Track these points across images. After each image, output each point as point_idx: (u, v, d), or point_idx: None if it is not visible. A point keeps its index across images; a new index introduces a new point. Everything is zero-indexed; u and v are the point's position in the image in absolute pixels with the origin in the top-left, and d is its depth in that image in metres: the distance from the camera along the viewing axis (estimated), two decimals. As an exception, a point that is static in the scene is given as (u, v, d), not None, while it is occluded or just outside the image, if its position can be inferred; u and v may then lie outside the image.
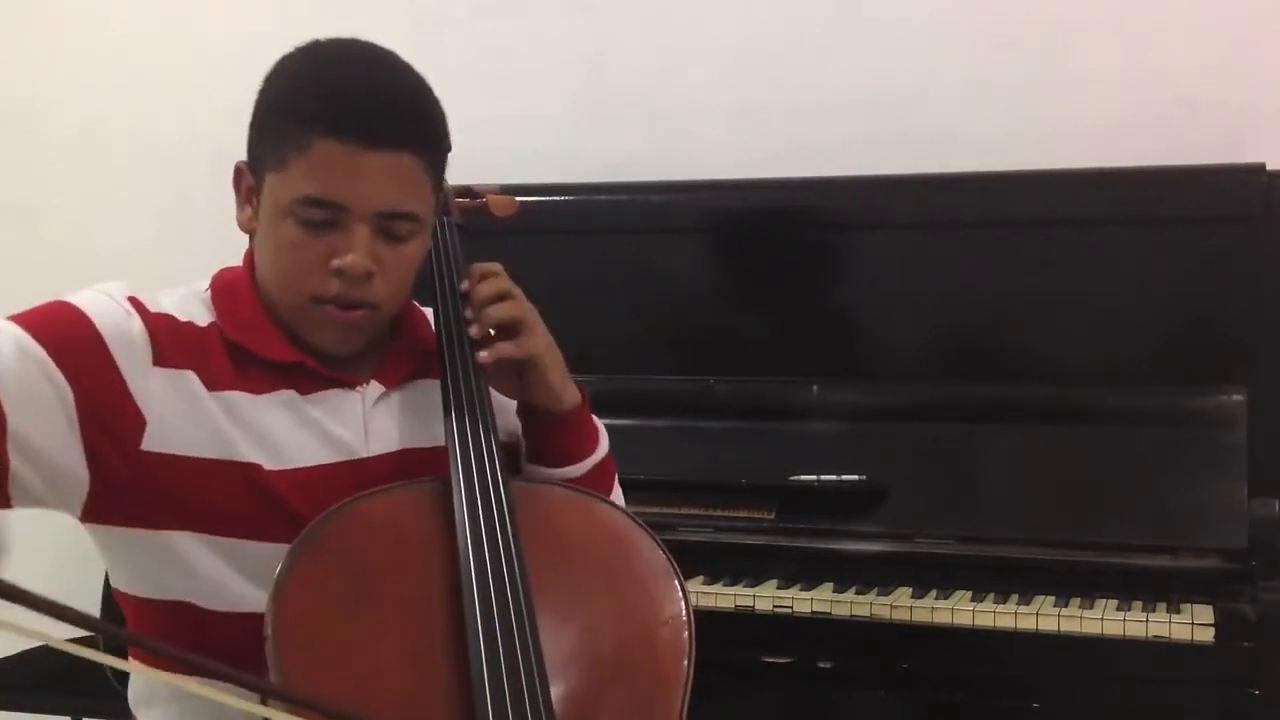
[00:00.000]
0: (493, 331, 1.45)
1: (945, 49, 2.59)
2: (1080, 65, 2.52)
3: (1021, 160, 2.39)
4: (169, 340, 1.35)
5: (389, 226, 1.36)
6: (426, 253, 1.46)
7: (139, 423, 1.32)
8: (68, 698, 2.59)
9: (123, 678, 1.94)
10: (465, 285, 1.48)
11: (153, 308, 1.37)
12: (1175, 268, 2.24)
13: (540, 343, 1.45)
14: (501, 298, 1.46)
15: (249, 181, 1.41)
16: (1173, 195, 2.25)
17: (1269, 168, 2.20)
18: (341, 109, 1.32)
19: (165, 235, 3.05)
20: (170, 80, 3.09)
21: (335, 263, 1.34)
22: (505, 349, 1.44)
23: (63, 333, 1.30)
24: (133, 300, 1.36)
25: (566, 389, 1.48)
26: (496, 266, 1.49)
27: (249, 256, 1.45)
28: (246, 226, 1.43)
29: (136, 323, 1.34)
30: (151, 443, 1.32)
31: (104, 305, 1.34)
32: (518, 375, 1.47)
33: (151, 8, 3.14)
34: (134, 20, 3.14)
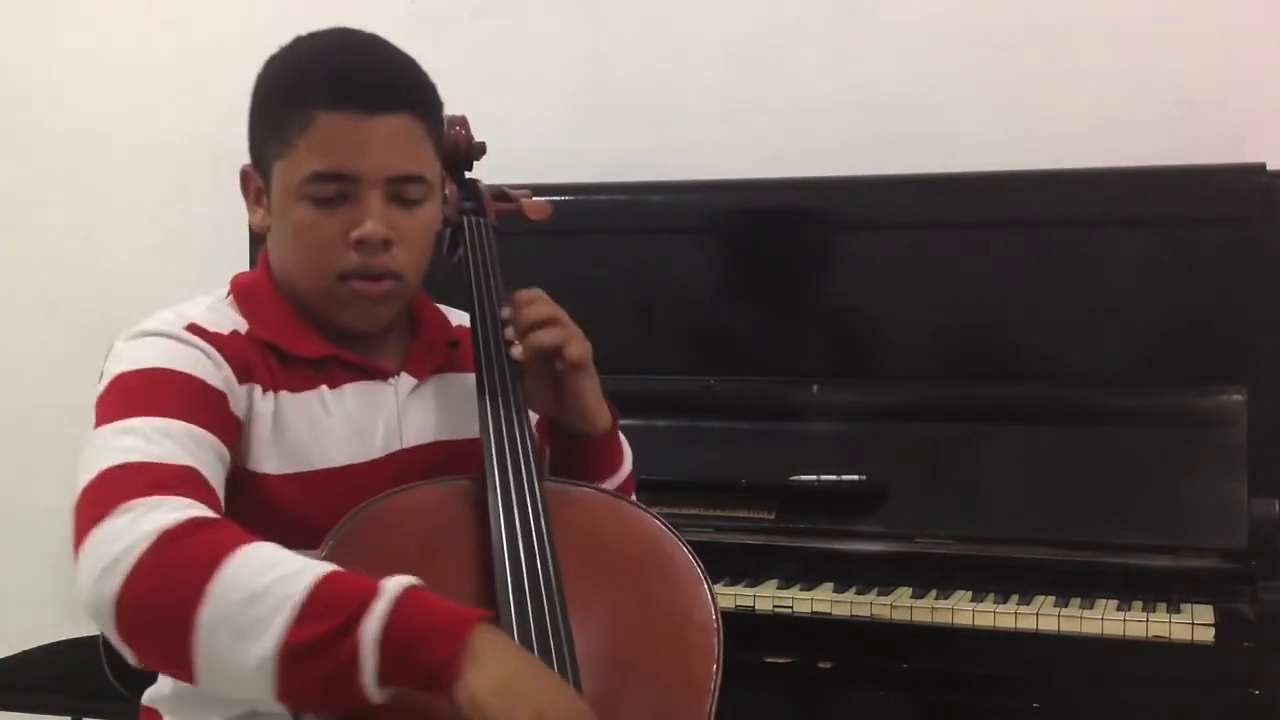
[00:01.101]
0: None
1: (945, 49, 2.59)
2: (1080, 65, 2.51)
3: (1021, 160, 2.39)
4: (234, 357, 1.36)
5: (401, 191, 1.38)
6: (446, 234, 1.49)
7: (241, 446, 1.35)
8: (68, 698, 2.59)
9: (123, 677, 1.94)
10: (507, 312, 1.47)
11: (211, 328, 1.37)
12: (1175, 268, 2.24)
13: (582, 355, 1.46)
14: (546, 323, 1.46)
15: (256, 182, 1.42)
16: (1173, 195, 2.25)
17: (1269, 168, 2.20)
18: (338, 82, 1.35)
19: (165, 235, 3.06)
20: (170, 80, 3.09)
21: (354, 234, 1.36)
22: (542, 339, 1.43)
23: (201, 406, 1.30)
24: (194, 329, 1.36)
25: (601, 411, 1.49)
26: (539, 292, 1.49)
27: (264, 258, 1.47)
28: (261, 226, 1.44)
29: (215, 353, 1.35)
30: (247, 461, 1.35)
31: (192, 356, 1.33)
32: (555, 395, 1.47)
33: (151, 7, 3.14)
34: (134, 20, 3.14)
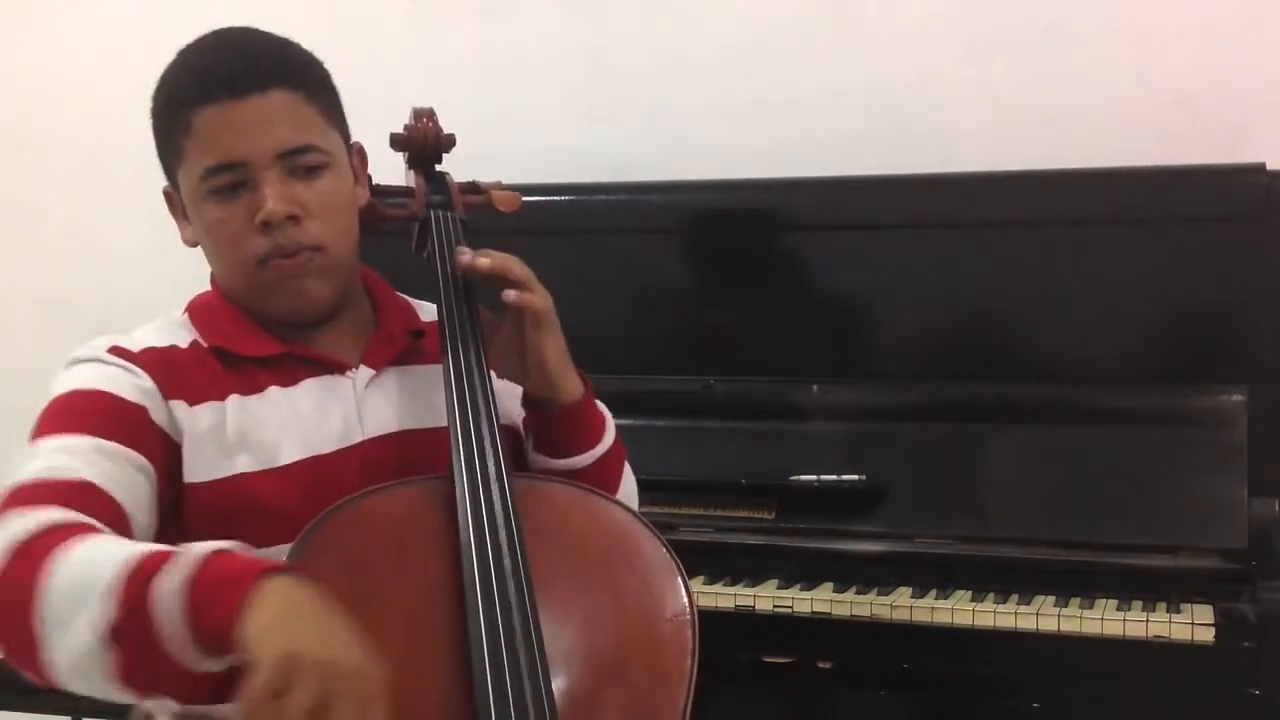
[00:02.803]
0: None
1: (945, 49, 2.59)
2: (1080, 65, 2.51)
3: (1021, 160, 2.38)
4: (161, 372, 1.39)
5: (294, 164, 1.39)
6: (414, 230, 1.49)
7: (179, 458, 1.37)
8: (68, 698, 2.58)
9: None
10: (466, 256, 1.45)
11: (136, 348, 1.41)
12: (1175, 268, 2.24)
13: (542, 307, 1.43)
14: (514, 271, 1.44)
15: (178, 201, 1.47)
16: (1173, 195, 2.25)
17: (1269, 168, 2.20)
18: (204, 77, 1.39)
19: (165, 235, 3.04)
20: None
21: (258, 217, 1.38)
22: (489, 264, 1.42)
23: (114, 421, 1.33)
24: (116, 350, 1.40)
25: (568, 378, 1.47)
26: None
27: (212, 276, 1.50)
28: (191, 242, 1.48)
29: (138, 371, 1.38)
30: (189, 474, 1.37)
31: (111, 374, 1.37)
32: (520, 362, 1.45)
33: (152, 6, 3.14)
34: (135, 17, 3.13)
